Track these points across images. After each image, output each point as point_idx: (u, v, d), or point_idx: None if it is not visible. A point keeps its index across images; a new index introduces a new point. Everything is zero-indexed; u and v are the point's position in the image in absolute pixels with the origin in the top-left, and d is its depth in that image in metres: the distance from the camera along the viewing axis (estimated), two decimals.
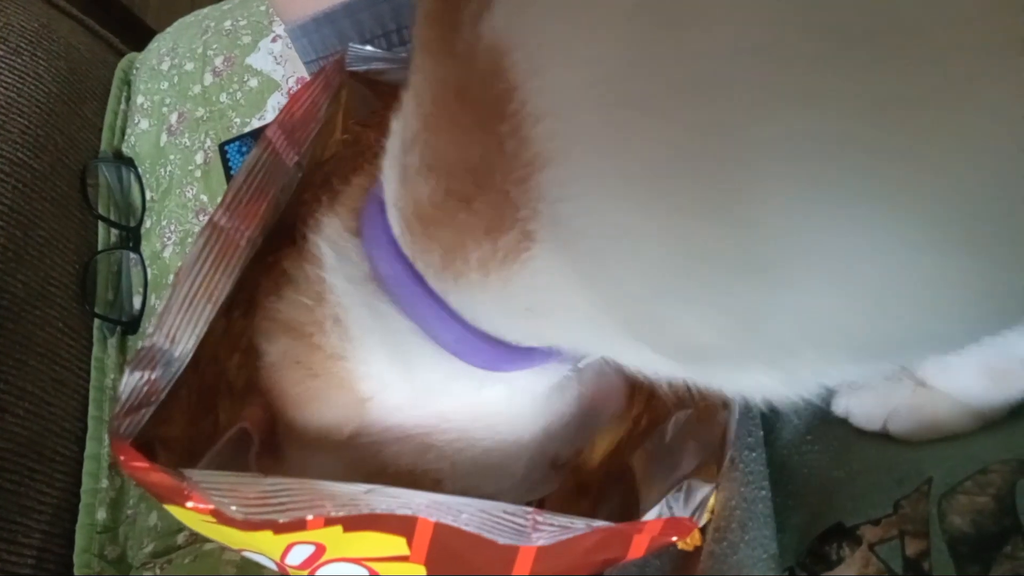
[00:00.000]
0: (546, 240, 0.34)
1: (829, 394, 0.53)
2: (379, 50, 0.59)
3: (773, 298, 0.31)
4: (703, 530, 0.49)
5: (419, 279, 0.41)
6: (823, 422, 0.54)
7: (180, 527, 0.80)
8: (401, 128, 0.40)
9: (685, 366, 0.38)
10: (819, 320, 0.31)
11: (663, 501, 0.44)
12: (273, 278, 0.50)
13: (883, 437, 0.51)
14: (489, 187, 0.35)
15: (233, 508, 0.39)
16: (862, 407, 0.52)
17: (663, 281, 0.32)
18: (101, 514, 0.85)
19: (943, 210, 0.27)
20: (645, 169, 0.30)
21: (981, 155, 0.26)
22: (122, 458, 0.40)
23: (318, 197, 0.59)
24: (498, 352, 0.42)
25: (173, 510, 0.42)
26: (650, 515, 0.44)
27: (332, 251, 0.47)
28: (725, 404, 0.50)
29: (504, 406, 0.48)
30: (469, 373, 0.45)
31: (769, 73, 0.27)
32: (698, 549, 0.51)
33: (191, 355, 0.45)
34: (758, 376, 0.36)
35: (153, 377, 0.43)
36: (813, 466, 0.53)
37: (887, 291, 0.30)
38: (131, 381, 0.43)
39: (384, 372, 0.46)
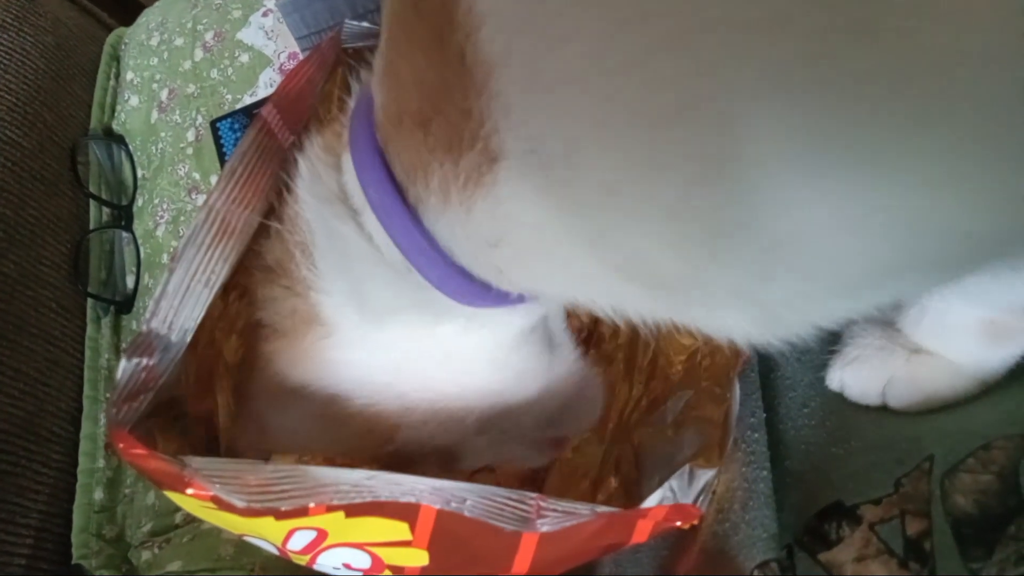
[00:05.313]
0: (510, 156, 0.32)
1: (823, 366, 0.53)
2: (375, 26, 0.57)
3: (736, 212, 0.29)
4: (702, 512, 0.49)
5: (400, 194, 0.39)
6: (820, 397, 0.54)
7: (178, 506, 0.80)
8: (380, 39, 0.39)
9: (656, 297, 0.35)
10: (794, 237, 0.29)
11: (665, 485, 0.44)
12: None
13: (881, 413, 0.51)
14: (449, 107, 0.33)
15: (234, 496, 0.39)
16: (857, 380, 0.52)
17: (614, 192, 0.30)
18: (98, 494, 0.85)
19: (925, 101, 0.25)
20: (580, 64, 0.28)
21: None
22: (121, 446, 0.39)
23: None
24: (470, 284, 0.40)
25: (173, 496, 0.41)
26: (652, 500, 0.43)
27: (307, 170, 0.45)
28: (727, 384, 0.50)
29: (464, 347, 0.46)
30: (425, 304, 0.43)
31: None
32: (694, 528, 0.51)
33: (189, 340, 0.45)
34: (733, 312, 0.34)
35: (151, 363, 0.43)
36: (811, 443, 0.53)
37: (870, 201, 0.27)
38: (128, 367, 0.42)
39: (342, 302, 0.45)
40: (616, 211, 0.31)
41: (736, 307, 0.33)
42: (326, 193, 0.43)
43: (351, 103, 0.44)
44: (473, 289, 0.40)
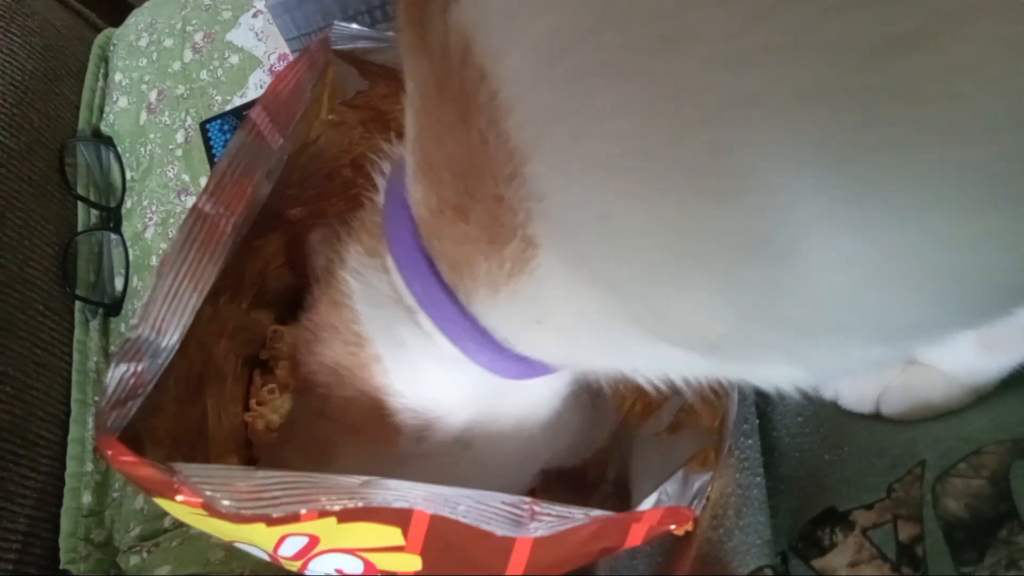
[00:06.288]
0: (548, 243, 0.32)
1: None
2: (365, 28, 0.57)
3: (782, 280, 0.28)
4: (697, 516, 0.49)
5: (446, 290, 0.39)
6: (814, 404, 0.54)
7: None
8: (407, 132, 0.39)
9: (704, 359, 0.35)
10: (836, 301, 0.29)
11: (660, 489, 0.44)
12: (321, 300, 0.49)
13: (874, 419, 0.51)
14: (482, 194, 0.33)
15: (225, 502, 0.38)
16: (852, 389, 0.52)
17: (661, 270, 0.30)
18: (87, 498, 0.84)
19: (974, 164, 0.25)
20: (620, 144, 0.28)
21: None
22: (109, 453, 0.39)
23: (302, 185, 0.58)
24: (524, 363, 0.41)
25: (162, 502, 0.41)
26: (647, 504, 0.43)
27: (356, 282, 0.45)
28: (724, 389, 0.50)
29: (525, 416, 0.47)
30: (489, 387, 0.44)
31: (744, 20, 0.24)
32: (689, 534, 0.51)
33: (178, 345, 0.45)
34: (779, 366, 0.34)
35: (139, 369, 0.43)
36: (805, 449, 0.53)
37: (917, 261, 0.27)
38: (117, 374, 0.42)
39: (412, 400, 0.46)
40: (662, 285, 0.31)
41: (782, 362, 0.34)
42: (381, 298, 0.44)
43: (379, 200, 0.44)
44: (527, 367, 0.41)
